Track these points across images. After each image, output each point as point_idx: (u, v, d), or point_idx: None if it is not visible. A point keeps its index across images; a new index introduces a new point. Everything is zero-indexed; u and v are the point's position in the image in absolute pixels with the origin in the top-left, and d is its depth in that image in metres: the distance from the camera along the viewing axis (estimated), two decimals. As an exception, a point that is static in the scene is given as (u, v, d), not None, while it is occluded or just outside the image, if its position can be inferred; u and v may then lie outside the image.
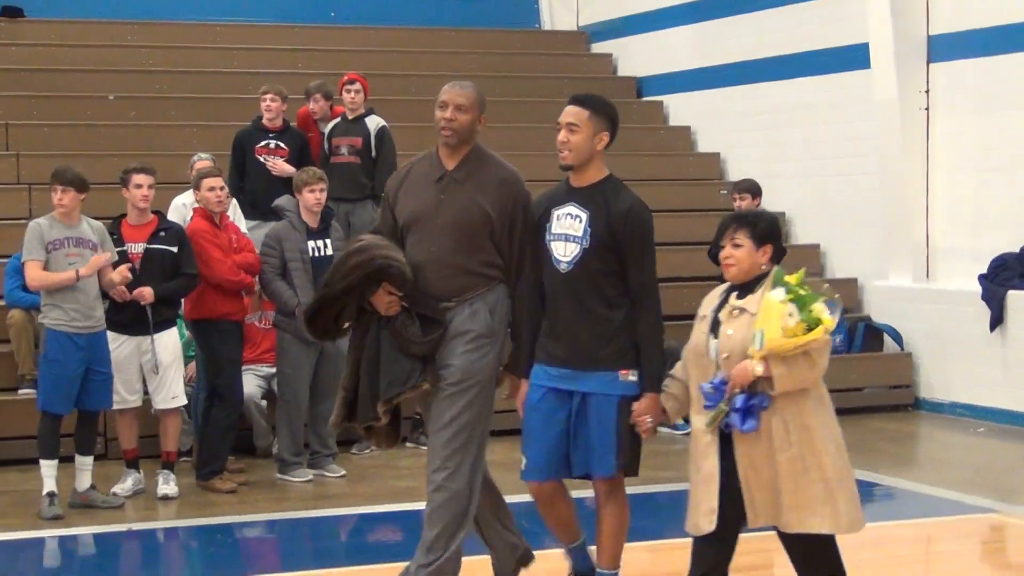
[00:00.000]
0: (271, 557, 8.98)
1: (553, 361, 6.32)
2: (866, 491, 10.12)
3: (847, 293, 14.21)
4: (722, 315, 5.82)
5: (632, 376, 6.20)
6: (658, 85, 17.66)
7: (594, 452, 6.27)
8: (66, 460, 9.40)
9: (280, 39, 16.87)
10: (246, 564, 8.73)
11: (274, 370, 10.68)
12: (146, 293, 9.36)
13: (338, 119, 12.06)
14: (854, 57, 14.32)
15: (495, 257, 6.40)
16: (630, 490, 6.56)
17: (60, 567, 8.84)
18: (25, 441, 10.65)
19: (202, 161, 10.91)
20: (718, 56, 16.57)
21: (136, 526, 9.15)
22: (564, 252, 6.24)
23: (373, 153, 11.79)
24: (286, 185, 11.05)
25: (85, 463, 9.39)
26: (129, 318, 9.46)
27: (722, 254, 5.85)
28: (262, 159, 11.62)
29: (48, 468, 9.21)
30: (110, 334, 9.34)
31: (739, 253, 5.83)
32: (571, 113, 6.23)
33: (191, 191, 10.39)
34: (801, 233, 14.77)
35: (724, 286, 5.97)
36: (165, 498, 9.69)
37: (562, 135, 6.23)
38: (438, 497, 6.34)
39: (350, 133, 11.85)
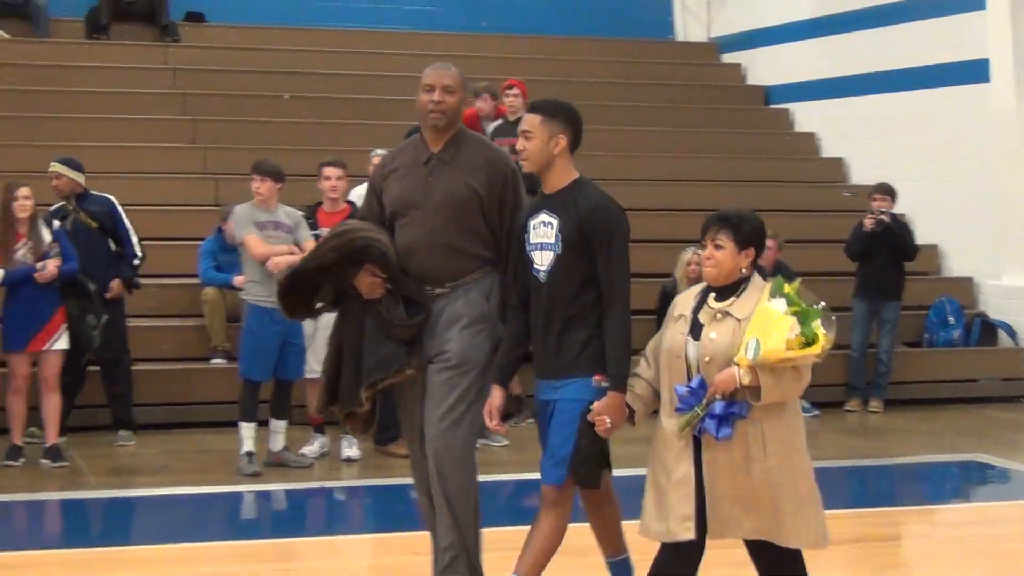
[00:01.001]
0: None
1: (539, 372, 6.11)
2: (981, 473, 11.17)
3: (964, 291, 15.26)
4: (703, 317, 5.61)
5: (606, 383, 5.88)
6: (785, 93, 18.59)
7: (548, 458, 6.04)
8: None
9: (434, 46, 17.94)
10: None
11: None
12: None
13: (501, 120, 13.22)
14: (973, 71, 15.25)
15: (487, 237, 6.28)
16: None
17: (258, 518, 9.88)
18: (217, 406, 11.95)
19: (378, 157, 12.18)
20: (843, 67, 17.47)
21: (324, 484, 10.11)
22: (541, 261, 6.00)
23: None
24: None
25: (279, 426, 10.31)
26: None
27: (703, 253, 5.71)
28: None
29: (247, 430, 10.14)
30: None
31: (720, 255, 5.62)
32: (525, 120, 6.06)
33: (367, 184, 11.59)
34: (920, 234, 15.51)
35: (699, 287, 5.79)
36: (348, 460, 10.65)
37: (519, 143, 6.07)
38: (443, 441, 6.22)
39: (511, 134, 12.95)
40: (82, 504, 9.74)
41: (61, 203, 11.09)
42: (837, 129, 17.65)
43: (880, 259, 13.64)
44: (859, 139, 17.25)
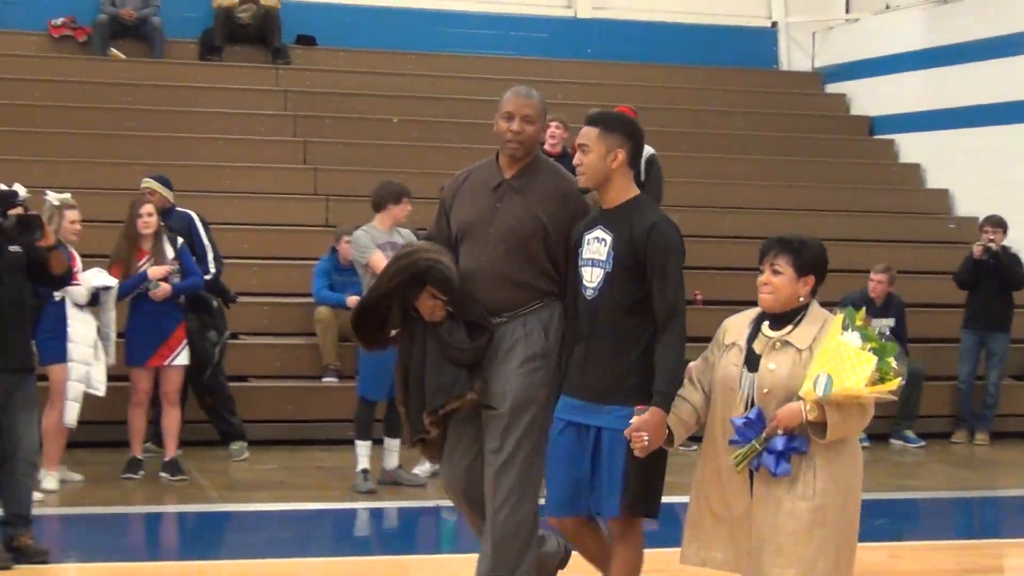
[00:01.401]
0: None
1: (573, 392, 5.87)
2: None
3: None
4: (758, 346, 5.38)
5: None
6: (890, 124, 18.55)
7: (601, 490, 5.78)
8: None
9: (540, 72, 18.17)
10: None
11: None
12: None
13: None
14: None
15: (550, 271, 6.07)
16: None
17: (371, 535, 10.06)
18: (328, 424, 12.16)
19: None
20: (949, 99, 17.45)
21: (438, 502, 10.03)
22: (591, 278, 5.79)
23: (642, 178, 13.02)
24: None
25: (393, 445, 10.42)
26: None
27: (760, 279, 5.45)
28: (543, 180, 12.92)
29: (363, 448, 10.26)
30: None
31: (777, 281, 5.40)
32: (582, 134, 5.83)
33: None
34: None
35: (753, 313, 5.55)
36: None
37: (576, 157, 5.85)
38: (503, 528, 6.06)
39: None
40: (200, 517, 9.94)
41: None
42: (942, 161, 17.61)
43: (989, 289, 13.69)
44: (964, 171, 17.20)
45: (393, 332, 6.26)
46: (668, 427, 5.55)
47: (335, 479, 10.83)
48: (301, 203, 14.90)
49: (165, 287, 10.36)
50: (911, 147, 18.20)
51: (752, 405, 5.37)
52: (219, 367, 11.29)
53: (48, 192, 9.99)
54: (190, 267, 10.62)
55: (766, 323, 5.41)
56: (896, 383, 5.22)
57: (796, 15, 20.18)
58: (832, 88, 19.66)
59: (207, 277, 11.13)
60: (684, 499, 5.71)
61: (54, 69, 16.57)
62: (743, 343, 5.44)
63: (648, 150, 13.15)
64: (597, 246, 5.79)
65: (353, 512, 10.13)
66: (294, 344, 12.90)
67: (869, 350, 5.16)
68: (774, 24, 20.21)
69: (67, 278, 8.67)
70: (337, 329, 12.38)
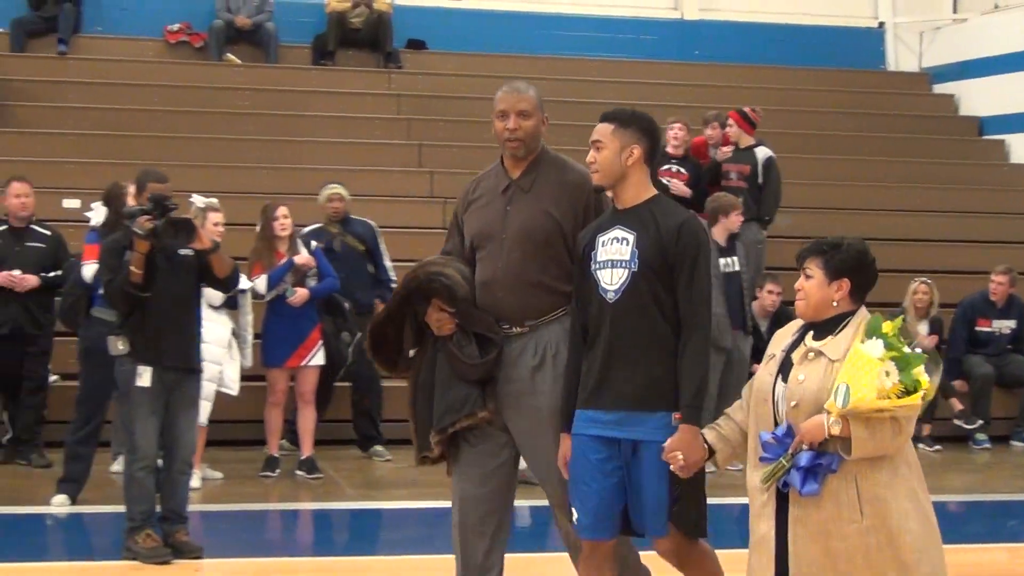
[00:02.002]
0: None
1: (600, 404, 5.46)
2: None
3: None
4: (795, 356, 5.04)
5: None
6: (999, 124, 18.42)
7: (646, 509, 5.44)
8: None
9: (648, 74, 18.28)
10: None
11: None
12: None
13: (731, 147, 13.39)
14: None
15: (572, 271, 5.74)
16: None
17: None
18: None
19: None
20: (1062, 99, 17.36)
21: None
22: (611, 280, 5.45)
23: (760, 180, 13.09)
24: (683, 204, 12.53)
25: None
26: None
27: (796, 286, 5.15)
28: (664, 181, 13.06)
29: None
30: None
31: (808, 286, 5.07)
32: (596, 130, 5.59)
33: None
34: None
35: (798, 323, 5.21)
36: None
37: (590, 155, 5.58)
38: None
39: (740, 161, 13.16)
40: (338, 514, 10.11)
41: (318, 225, 11.52)
42: (1055, 160, 17.50)
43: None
44: (1077, 171, 17.10)
45: (412, 352, 5.94)
46: (707, 443, 5.26)
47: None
48: (418, 205, 15.06)
49: (302, 292, 10.56)
50: (1022, 147, 18.07)
51: (780, 420, 5.04)
52: (373, 370, 11.38)
53: (193, 195, 10.18)
54: (325, 270, 10.79)
55: (811, 332, 5.08)
56: (918, 397, 4.82)
57: (903, 15, 20.11)
58: (940, 89, 19.55)
59: (393, 285, 11.27)
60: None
61: (171, 74, 16.87)
62: (780, 353, 5.12)
63: (766, 152, 13.22)
64: (617, 247, 5.46)
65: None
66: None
67: (890, 360, 4.81)
68: (881, 24, 20.14)
69: (234, 280, 8.67)
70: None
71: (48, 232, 11.07)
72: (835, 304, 5.02)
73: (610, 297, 5.44)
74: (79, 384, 9.62)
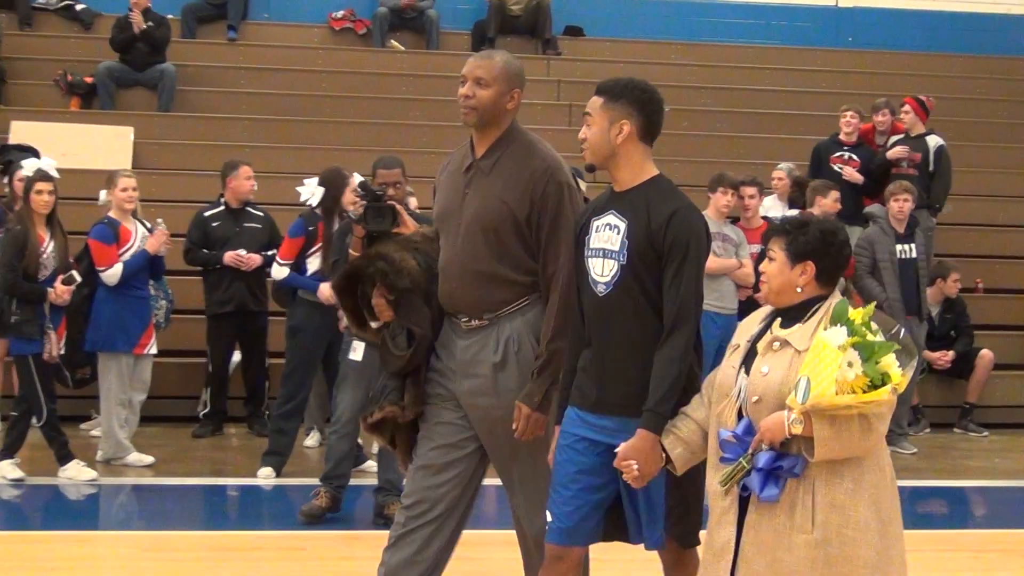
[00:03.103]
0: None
1: (590, 405, 5.06)
2: None
3: None
4: (760, 346, 4.59)
5: None
6: None
7: (642, 520, 5.06)
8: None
9: (803, 60, 18.35)
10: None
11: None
12: None
13: (900, 135, 13.47)
14: None
15: (529, 263, 5.33)
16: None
17: None
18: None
19: (781, 171, 12.71)
20: None
21: None
22: (602, 271, 5.00)
23: (931, 167, 13.16)
24: (854, 191, 12.69)
25: None
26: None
27: (760, 267, 4.78)
28: (837, 168, 13.16)
29: None
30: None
31: (770, 268, 4.66)
32: (588, 104, 5.14)
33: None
34: None
35: (766, 310, 4.79)
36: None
37: (581, 131, 5.16)
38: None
39: (912, 148, 13.24)
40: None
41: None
42: None
43: None
44: None
45: (373, 324, 5.63)
46: (664, 450, 4.81)
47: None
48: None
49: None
50: None
51: (743, 416, 4.57)
52: None
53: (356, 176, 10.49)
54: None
55: (779, 320, 4.63)
56: (887, 391, 4.31)
57: (1059, 1, 19.97)
58: (1095, 75, 19.39)
59: None
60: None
61: (335, 60, 17.23)
62: (745, 343, 4.68)
63: (938, 140, 13.29)
64: (608, 234, 5.00)
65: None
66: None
67: (852, 349, 4.30)
68: (1035, 11, 20.01)
69: None
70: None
71: (261, 213, 11.42)
72: (799, 289, 4.59)
73: (600, 291, 5.00)
74: (285, 361, 9.93)
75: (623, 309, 4.96)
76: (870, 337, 4.32)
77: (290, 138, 15.41)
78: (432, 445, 5.49)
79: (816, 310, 4.55)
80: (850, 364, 4.28)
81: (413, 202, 10.30)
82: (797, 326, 4.53)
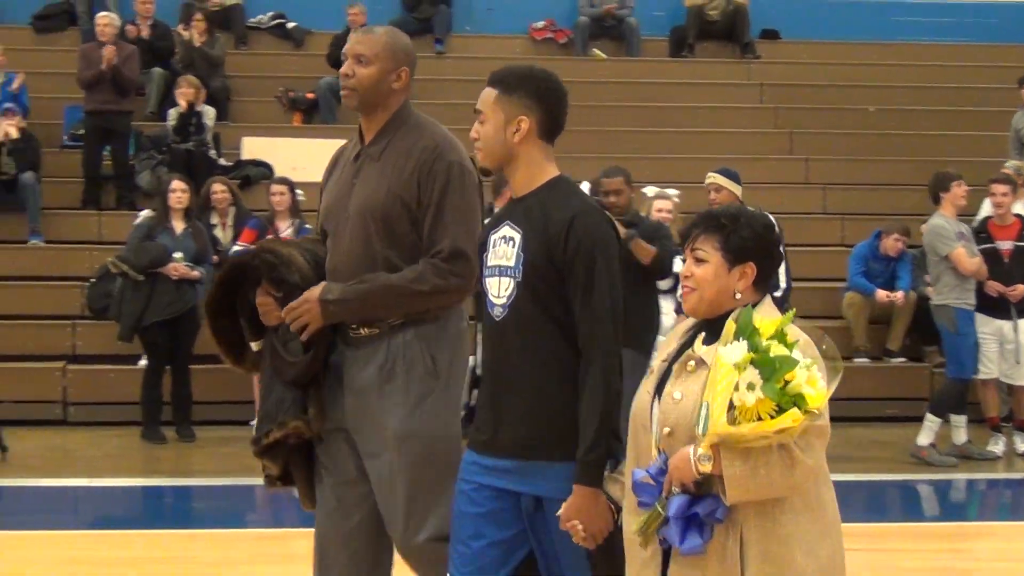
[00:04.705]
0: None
1: (490, 448, 4.33)
2: None
3: None
4: (675, 367, 3.83)
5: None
6: None
7: (561, 569, 4.32)
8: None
9: (995, 57, 18.30)
10: None
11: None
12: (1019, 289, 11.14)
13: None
14: None
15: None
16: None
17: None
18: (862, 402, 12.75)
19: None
20: None
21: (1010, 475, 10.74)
22: (498, 291, 4.30)
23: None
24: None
25: (961, 420, 11.16)
26: (992, 303, 11.22)
27: (681, 272, 3.95)
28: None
29: (958, 421, 11.10)
30: (978, 316, 11.06)
31: (701, 272, 3.83)
32: (480, 98, 4.43)
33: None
34: None
35: (690, 321, 3.99)
36: None
37: (473, 129, 4.41)
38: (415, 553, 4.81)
39: None
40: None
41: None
42: None
43: None
44: None
45: (255, 346, 4.98)
46: (611, 499, 4.11)
47: (897, 452, 11.45)
48: (795, 191, 15.49)
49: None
50: None
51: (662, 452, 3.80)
52: None
53: (647, 187, 10.79)
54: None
55: (702, 334, 3.84)
56: (794, 417, 3.53)
57: None
58: None
59: (776, 292, 10.17)
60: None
61: (539, 69, 17.50)
62: (663, 363, 3.91)
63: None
64: (504, 248, 4.32)
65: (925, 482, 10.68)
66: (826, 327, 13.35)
67: (751, 366, 3.55)
68: None
69: (660, 267, 9.42)
70: (868, 313, 12.96)
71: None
72: (738, 296, 3.82)
73: (497, 313, 4.30)
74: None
75: (518, 334, 4.25)
76: (774, 351, 3.55)
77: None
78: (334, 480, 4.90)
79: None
80: (750, 386, 3.52)
81: (663, 204, 10.59)
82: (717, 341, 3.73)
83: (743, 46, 17.91)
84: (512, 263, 4.26)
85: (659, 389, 3.83)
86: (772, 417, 3.51)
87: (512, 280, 4.25)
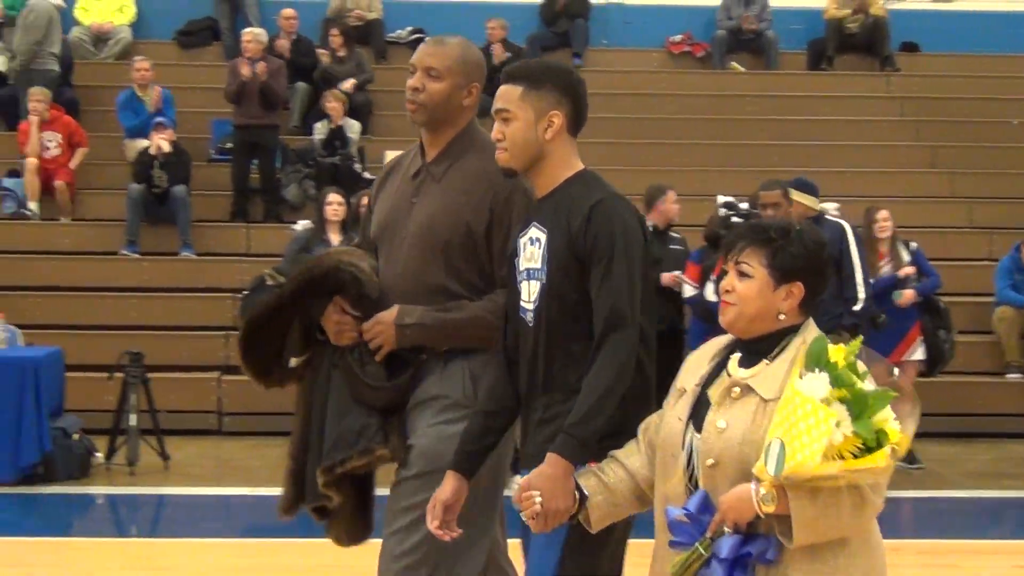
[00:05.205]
0: None
1: (523, 460, 4.20)
2: None
3: None
4: (713, 393, 3.57)
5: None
6: None
7: (531, 565, 4.14)
8: None
9: None
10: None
11: None
12: None
13: None
14: None
15: (480, 286, 4.55)
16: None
17: None
18: (1008, 417, 12.60)
19: None
20: None
21: None
22: (528, 295, 4.14)
23: None
24: None
25: None
26: None
27: (721, 284, 3.66)
28: None
29: None
30: None
31: (744, 288, 3.58)
32: (499, 96, 4.17)
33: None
34: None
35: (721, 341, 3.74)
36: None
37: (495, 129, 4.20)
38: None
39: None
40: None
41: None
42: None
43: None
44: None
45: (294, 361, 4.71)
46: (580, 489, 3.81)
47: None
48: (938, 206, 15.37)
49: (908, 294, 11.01)
50: None
51: (697, 485, 3.56)
52: None
53: (720, 196, 10.81)
54: (926, 269, 11.25)
55: (736, 356, 3.62)
56: (883, 456, 3.33)
57: None
58: None
59: (855, 307, 9.94)
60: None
61: (676, 83, 17.61)
62: (696, 387, 3.65)
63: None
64: (532, 250, 4.15)
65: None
66: (974, 342, 13.23)
67: (839, 403, 3.32)
68: None
69: None
70: (1020, 327, 12.83)
71: (678, 235, 11.73)
72: (782, 317, 3.57)
73: (528, 319, 4.13)
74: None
75: (549, 339, 4.08)
76: (859, 385, 3.34)
77: (633, 160, 15.67)
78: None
79: (786, 345, 3.56)
80: (837, 423, 3.30)
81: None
82: (762, 365, 3.54)
83: (883, 59, 17.76)
84: (539, 264, 4.10)
85: (694, 417, 3.58)
86: (855, 456, 3.31)
87: (539, 283, 4.09)
